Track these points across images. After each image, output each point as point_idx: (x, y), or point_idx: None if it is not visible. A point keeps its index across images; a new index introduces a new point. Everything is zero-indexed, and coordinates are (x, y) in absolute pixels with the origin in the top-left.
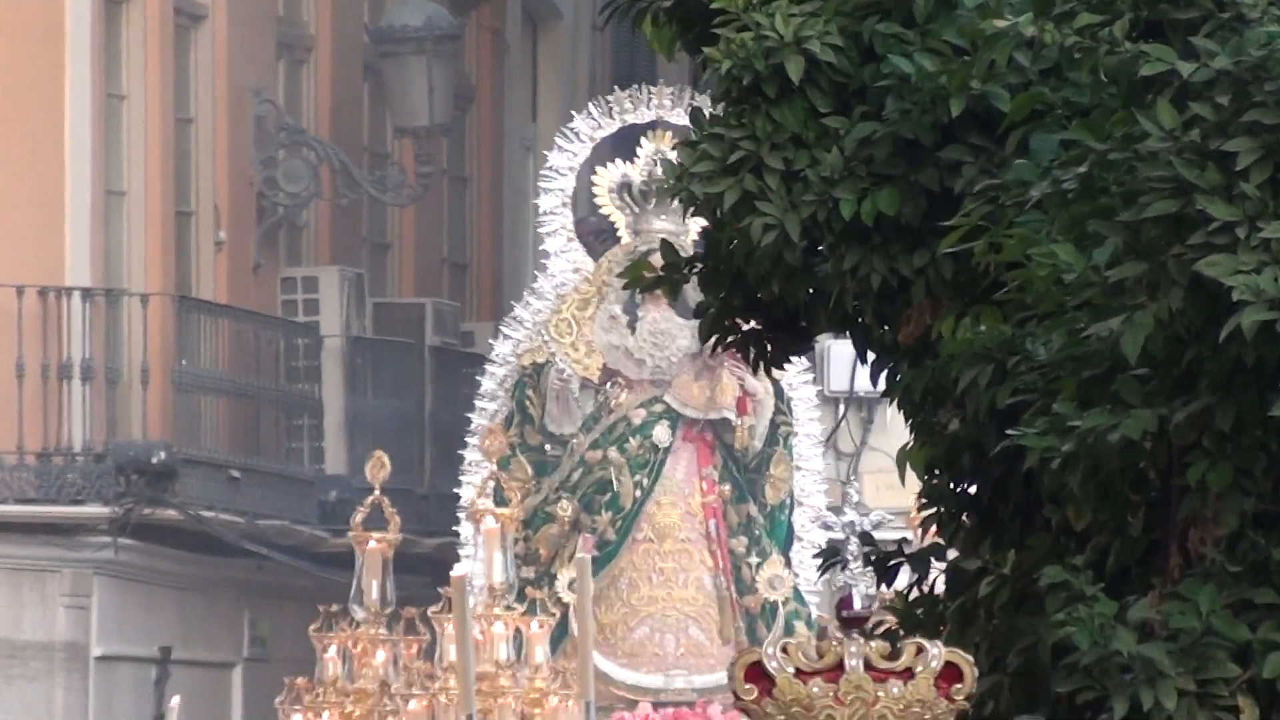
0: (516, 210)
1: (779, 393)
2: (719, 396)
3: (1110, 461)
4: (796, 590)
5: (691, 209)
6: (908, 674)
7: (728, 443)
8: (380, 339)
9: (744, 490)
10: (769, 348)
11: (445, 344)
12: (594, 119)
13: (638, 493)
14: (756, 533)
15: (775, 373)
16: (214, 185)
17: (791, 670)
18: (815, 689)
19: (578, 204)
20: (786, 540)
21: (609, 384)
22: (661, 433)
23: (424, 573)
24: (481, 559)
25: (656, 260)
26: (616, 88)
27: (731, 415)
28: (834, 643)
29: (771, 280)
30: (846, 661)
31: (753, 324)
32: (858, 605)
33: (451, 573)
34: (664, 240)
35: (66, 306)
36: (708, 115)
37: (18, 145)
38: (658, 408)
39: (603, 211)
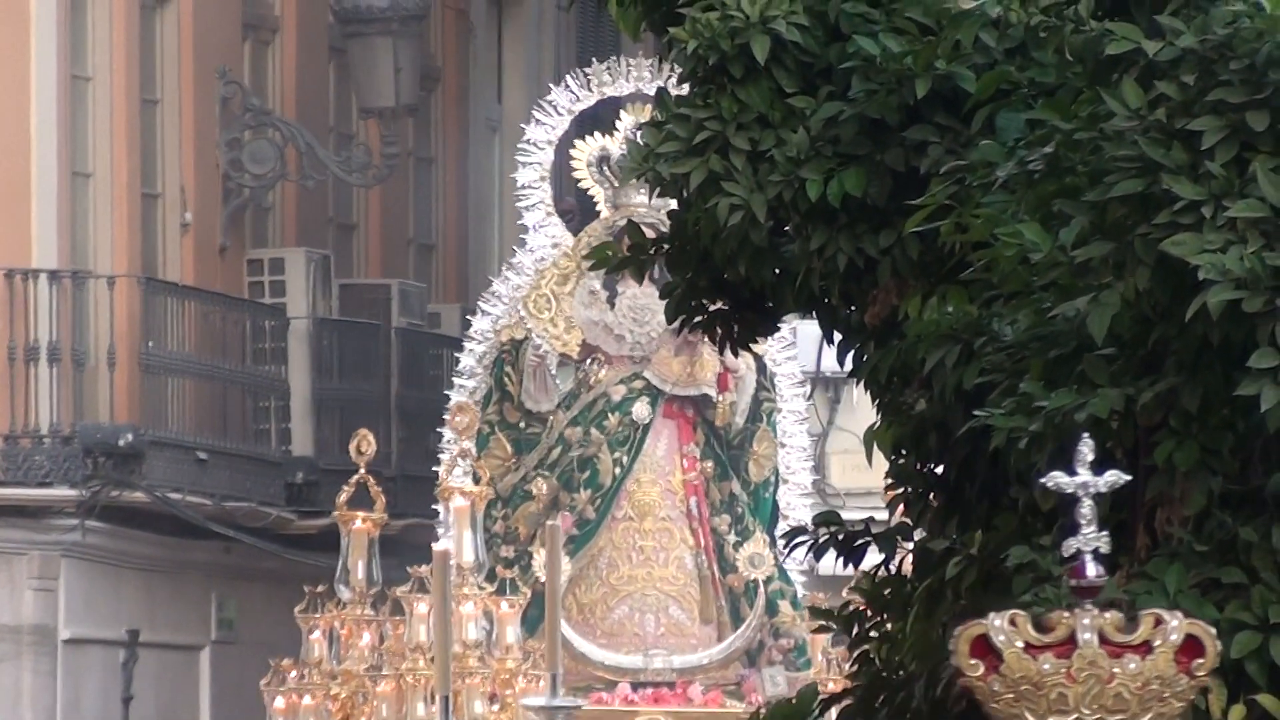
0: (482, 191)
1: (761, 368)
2: (699, 372)
3: (1077, 442)
4: (781, 569)
5: (658, 189)
6: (1145, 648)
7: (709, 419)
8: (346, 320)
9: (726, 467)
10: (736, 328)
11: (411, 325)
12: (572, 92)
13: (617, 470)
14: (739, 510)
15: (758, 348)
16: (180, 167)
17: (1020, 644)
18: (1046, 665)
19: (556, 178)
20: (771, 518)
21: (589, 360)
22: (641, 409)
23: (392, 555)
24: (451, 537)
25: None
26: (584, 67)
27: (712, 391)
28: (1064, 614)
29: (738, 260)
30: (1079, 635)
31: (719, 304)
32: (1090, 573)
33: (434, 547)
34: (630, 221)
35: (33, 289)
36: (673, 94)
37: None
38: (637, 384)
39: (582, 185)
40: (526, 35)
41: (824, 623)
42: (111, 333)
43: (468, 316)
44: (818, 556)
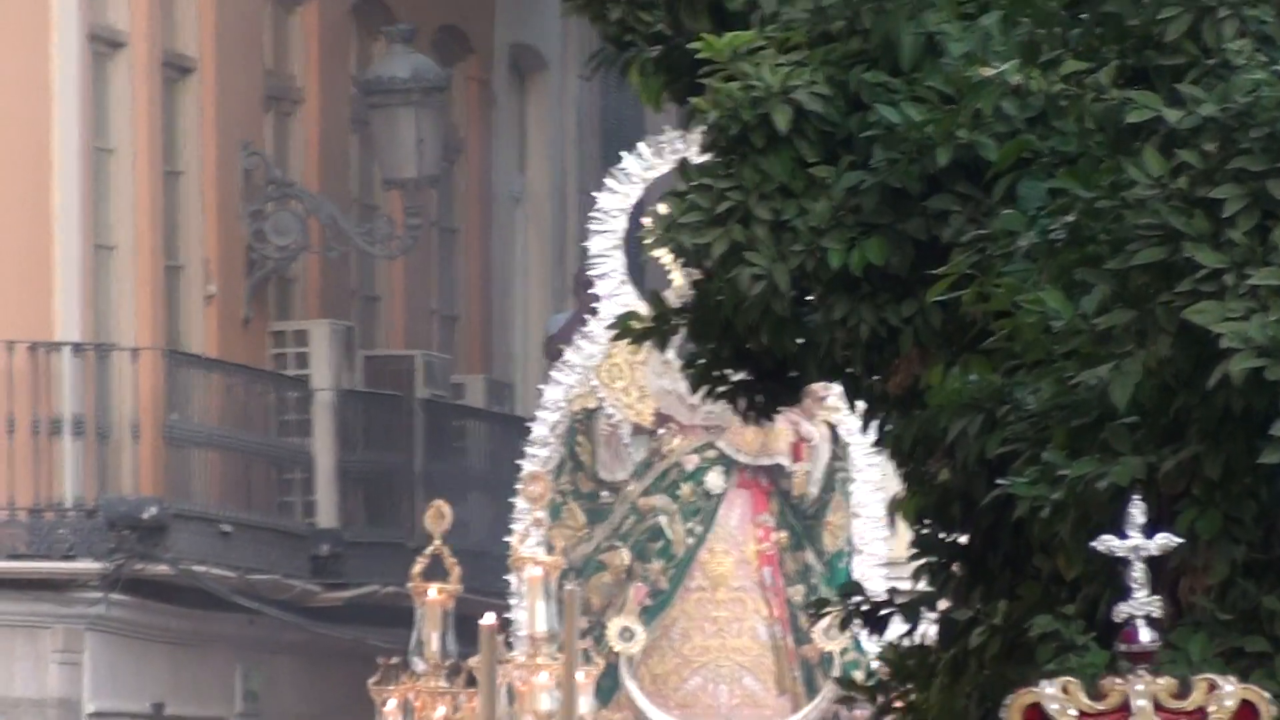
0: (506, 262)
1: (835, 438)
2: (773, 442)
3: (1100, 510)
4: (855, 639)
5: (680, 260)
6: (1200, 714)
7: (784, 489)
8: (371, 392)
9: (801, 537)
10: (760, 398)
11: (435, 396)
12: (644, 159)
13: (690, 540)
14: (814, 581)
15: (832, 417)
16: (203, 238)
17: (1074, 713)
18: None
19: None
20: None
21: (662, 429)
22: (714, 479)
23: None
24: (524, 608)
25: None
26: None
27: (786, 461)
28: (1118, 681)
29: (761, 330)
30: (1133, 702)
31: (743, 374)
32: (1144, 638)
33: (480, 621)
34: (652, 292)
35: (56, 361)
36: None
37: (6, 199)
38: (711, 453)
39: (653, 254)
40: (549, 106)
41: (850, 694)
42: (135, 405)
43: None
44: (843, 627)
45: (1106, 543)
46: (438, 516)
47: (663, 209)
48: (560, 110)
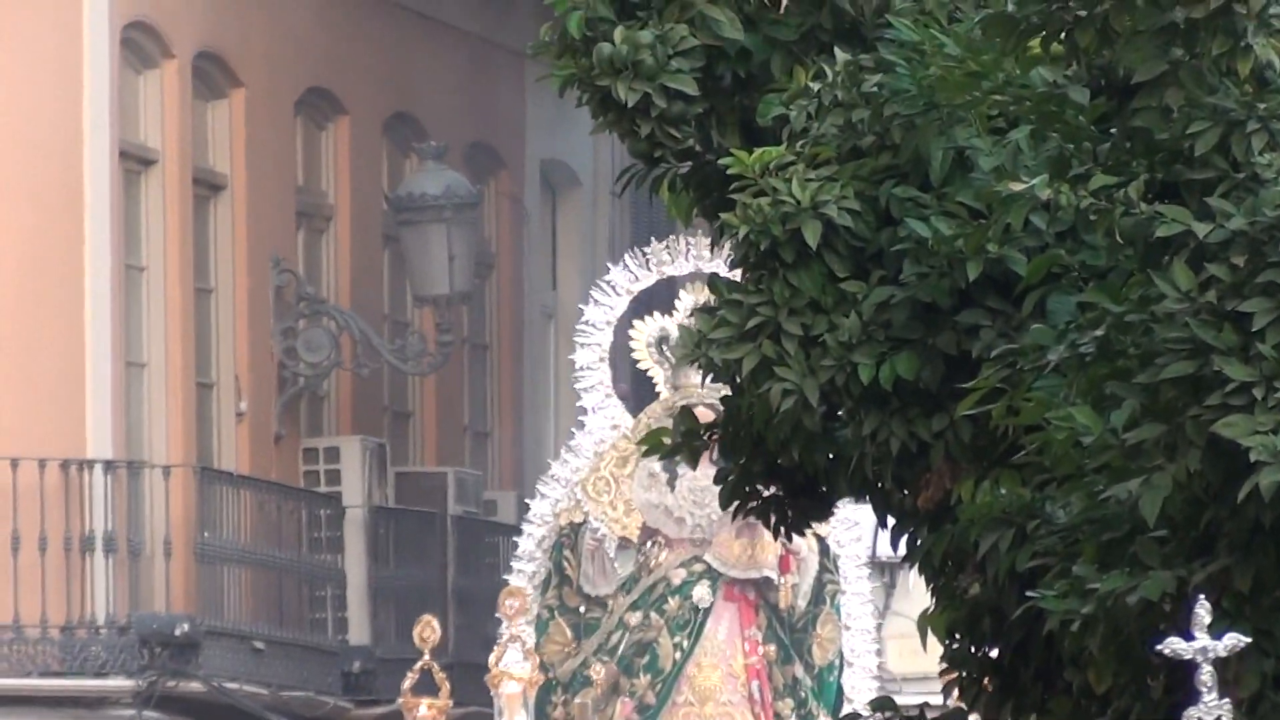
0: (538, 378)
1: (824, 550)
2: (761, 555)
3: (1130, 624)
4: None
5: (710, 375)
6: None
7: (772, 602)
8: (402, 509)
9: (789, 651)
10: (790, 513)
11: (467, 513)
12: (631, 272)
13: (677, 654)
14: (803, 694)
15: (820, 529)
16: (234, 355)
17: None
18: None
19: (615, 359)
20: (836, 702)
21: (649, 543)
22: (702, 592)
23: None
24: None
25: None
26: (638, 247)
27: (774, 574)
28: None
29: (791, 445)
30: None
31: (773, 490)
32: None
33: None
34: (683, 408)
35: (88, 479)
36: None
37: (38, 317)
38: (698, 567)
39: (640, 366)
40: (580, 221)
41: None
42: (167, 522)
43: (526, 500)
44: None
45: (1172, 645)
46: (428, 631)
47: (693, 324)
48: (592, 226)
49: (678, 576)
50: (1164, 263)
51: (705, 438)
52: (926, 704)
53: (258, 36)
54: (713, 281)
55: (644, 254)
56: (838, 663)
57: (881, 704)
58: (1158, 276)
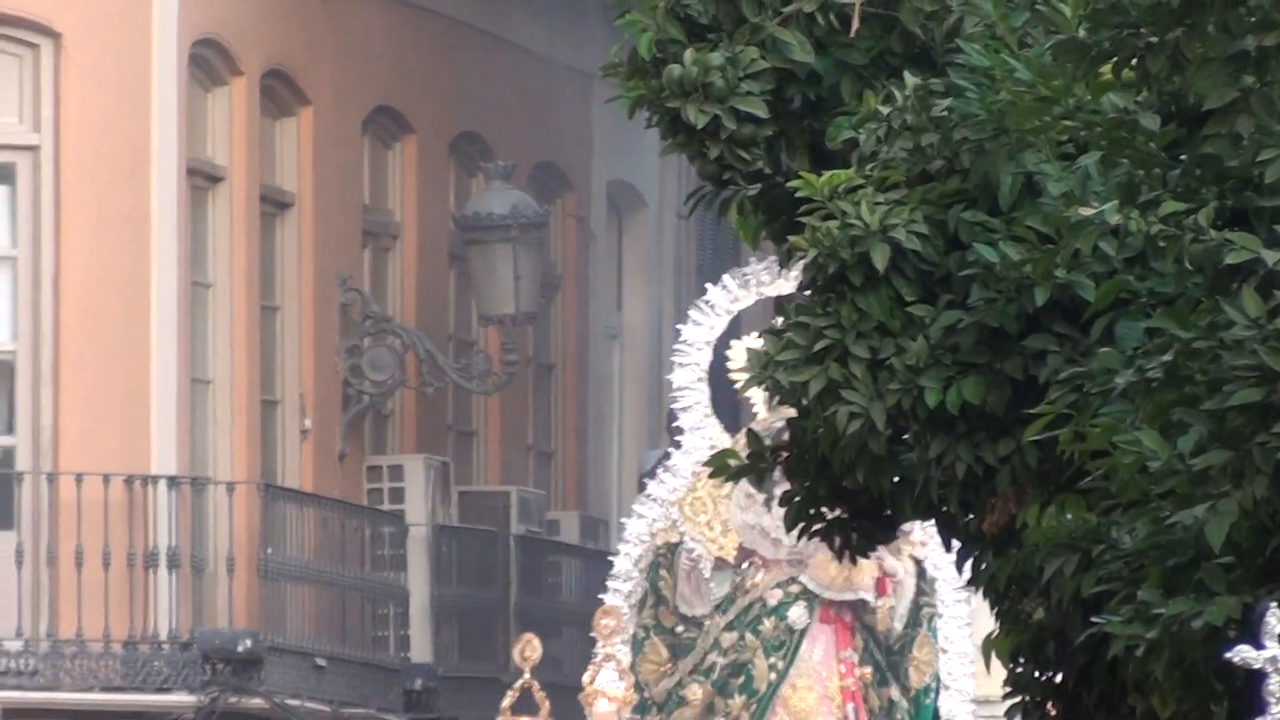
0: (601, 398)
1: (921, 573)
2: (857, 576)
3: (1195, 650)
4: None
5: (777, 398)
6: None
7: (868, 624)
8: (465, 527)
9: (885, 673)
10: (854, 536)
11: (530, 532)
12: (730, 291)
13: (773, 675)
14: (899, 717)
15: (917, 552)
16: (299, 373)
17: None
18: None
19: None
20: None
21: (745, 564)
22: (797, 614)
23: None
24: None
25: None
26: (702, 275)
27: (870, 596)
28: None
29: (857, 468)
30: None
31: (838, 512)
32: None
33: None
34: (749, 430)
35: (153, 495)
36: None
37: (105, 333)
38: (794, 588)
39: (737, 386)
40: (646, 243)
41: None
42: (231, 539)
43: (622, 520)
44: None
45: (1241, 654)
46: (528, 649)
47: (760, 346)
48: (658, 247)
49: (774, 597)
50: (1233, 289)
51: (771, 460)
52: None
53: (326, 55)
54: (781, 304)
55: (744, 274)
56: (934, 686)
57: None
58: (1226, 303)
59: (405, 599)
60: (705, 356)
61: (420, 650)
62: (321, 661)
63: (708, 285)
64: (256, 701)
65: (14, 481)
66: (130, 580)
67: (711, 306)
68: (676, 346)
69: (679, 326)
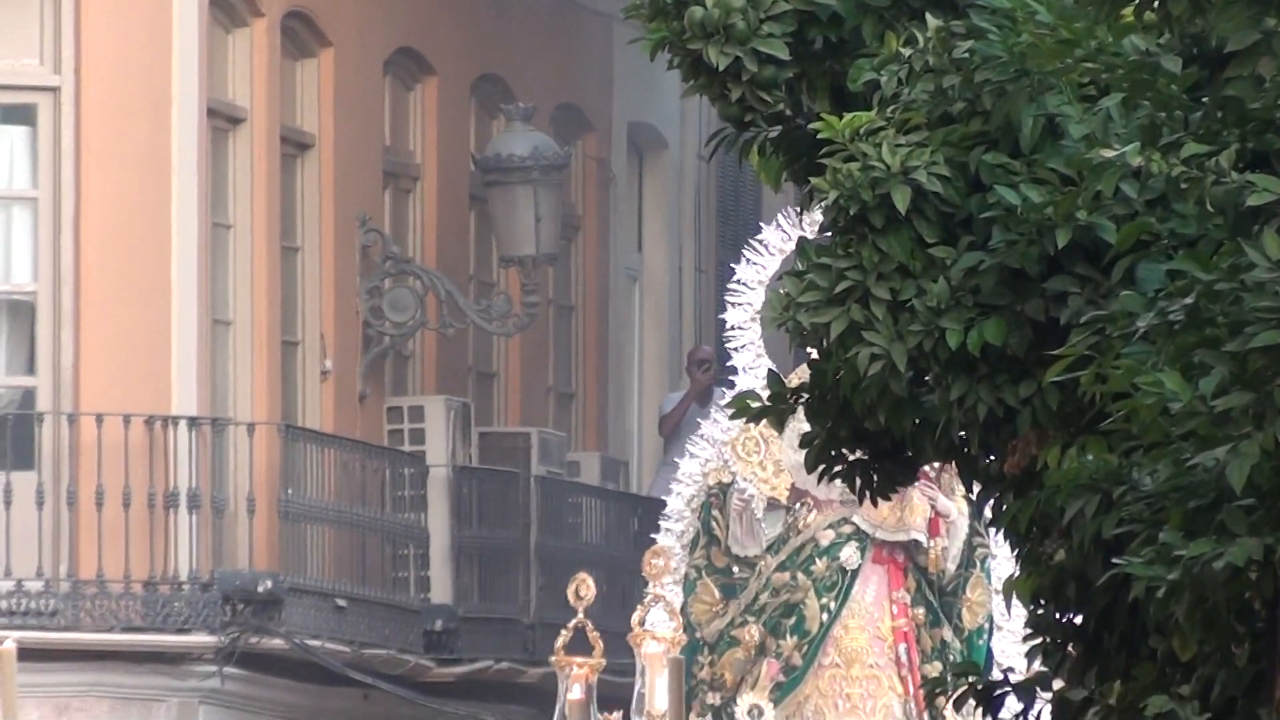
0: (622, 340)
1: (976, 513)
2: (909, 517)
3: (1216, 591)
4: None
5: (798, 339)
6: None
7: (921, 565)
8: (486, 468)
9: (938, 614)
10: (875, 477)
11: (550, 474)
12: (783, 230)
13: (824, 616)
14: (952, 658)
15: (972, 493)
16: (320, 314)
17: None
18: None
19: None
20: (985, 667)
21: (798, 504)
22: (850, 554)
23: (529, 703)
24: (644, 685)
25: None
26: (723, 217)
27: (923, 537)
28: None
29: (878, 410)
30: None
31: (859, 454)
32: None
33: (568, 696)
34: (770, 371)
35: (173, 435)
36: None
37: (125, 274)
38: (846, 529)
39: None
40: (667, 185)
41: None
42: (251, 480)
43: (674, 459)
44: (957, 707)
45: None
46: (582, 589)
47: (781, 287)
48: (678, 189)
49: (826, 538)
50: (1254, 232)
51: (792, 401)
52: (1010, 669)
53: None
54: (801, 246)
55: (798, 212)
56: (987, 626)
57: (964, 669)
58: (1248, 245)
59: (425, 540)
60: (758, 296)
61: (440, 591)
62: (341, 602)
63: (729, 227)
64: (276, 642)
65: (35, 422)
66: (150, 521)
67: (765, 245)
68: (730, 285)
69: (703, 271)
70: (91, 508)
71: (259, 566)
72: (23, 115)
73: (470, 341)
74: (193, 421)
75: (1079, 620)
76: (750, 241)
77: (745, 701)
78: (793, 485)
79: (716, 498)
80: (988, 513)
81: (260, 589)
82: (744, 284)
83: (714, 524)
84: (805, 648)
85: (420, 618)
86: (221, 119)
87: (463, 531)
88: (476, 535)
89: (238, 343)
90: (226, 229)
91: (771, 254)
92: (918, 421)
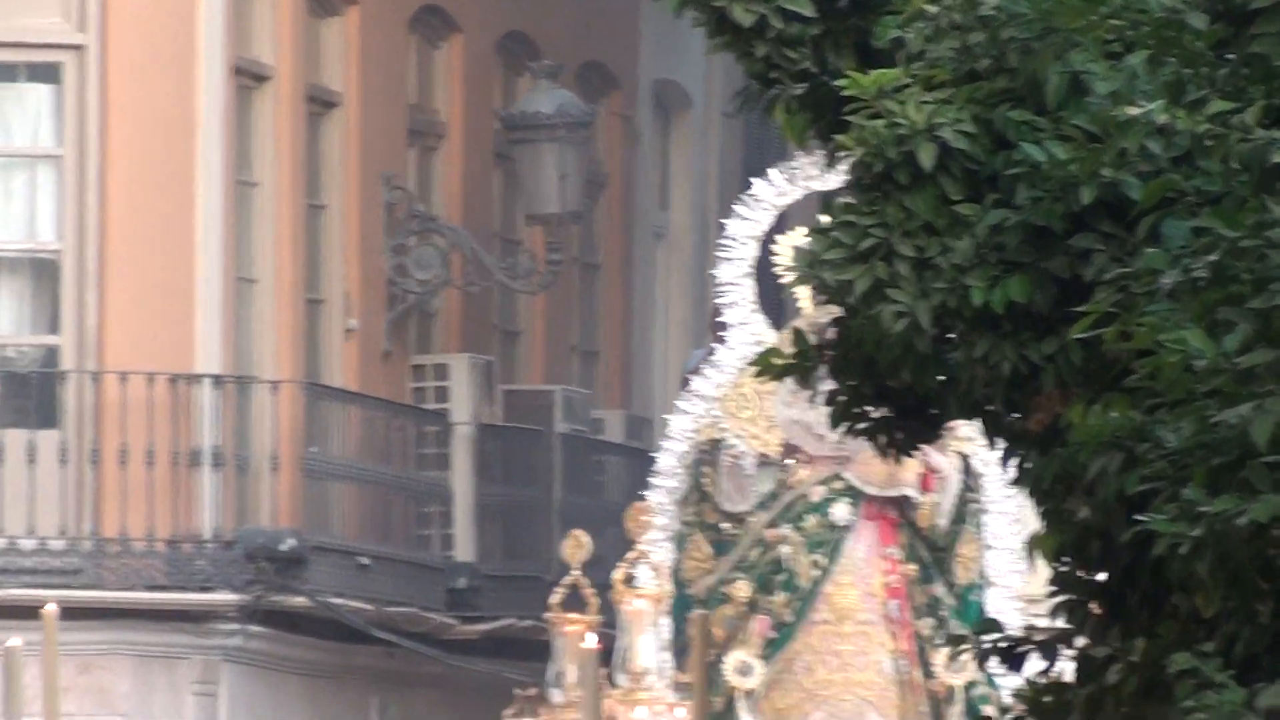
0: (647, 297)
1: (968, 469)
2: (901, 473)
3: (1239, 548)
4: (988, 674)
5: (823, 296)
6: None
7: (912, 520)
8: (510, 426)
9: (930, 570)
10: (899, 435)
11: (575, 431)
12: (776, 186)
13: (815, 572)
14: (944, 614)
15: (965, 448)
16: (344, 272)
17: None
18: None
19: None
20: (978, 622)
21: (789, 460)
22: (841, 510)
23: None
24: (626, 642)
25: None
26: (749, 174)
27: (914, 492)
28: None
29: (902, 367)
30: None
31: (883, 411)
32: None
33: (580, 645)
34: (794, 329)
35: (197, 393)
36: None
37: (149, 232)
38: (837, 484)
39: (784, 281)
40: (692, 142)
41: None
42: (275, 438)
43: (665, 418)
44: (980, 664)
45: None
46: (576, 546)
47: (805, 244)
48: (703, 146)
49: (817, 494)
50: (1279, 189)
51: (817, 358)
52: (1033, 626)
53: None
54: (826, 202)
55: (790, 169)
56: (980, 582)
57: (987, 626)
58: (1273, 202)
59: (449, 498)
60: (751, 251)
61: (464, 549)
62: (365, 560)
63: (753, 181)
64: (300, 600)
65: (58, 380)
66: (174, 479)
67: (758, 201)
68: (722, 241)
69: (723, 222)
70: (115, 466)
71: (282, 524)
72: (48, 73)
73: (495, 299)
74: (217, 380)
75: (1102, 577)
76: (742, 197)
77: (734, 658)
78: (784, 441)
79: (707, 454)
80: (978, 467)
81: (283, 547)
82: (736, 239)
83: (704, 480)
84: (796, 604)
85: (444, 575)
86: (247, 77)
87: (486, 489)
88: (500, 493)
89: (262, 301)
90: (251, 187)
91: (764, 209)
92: (942, 379)
